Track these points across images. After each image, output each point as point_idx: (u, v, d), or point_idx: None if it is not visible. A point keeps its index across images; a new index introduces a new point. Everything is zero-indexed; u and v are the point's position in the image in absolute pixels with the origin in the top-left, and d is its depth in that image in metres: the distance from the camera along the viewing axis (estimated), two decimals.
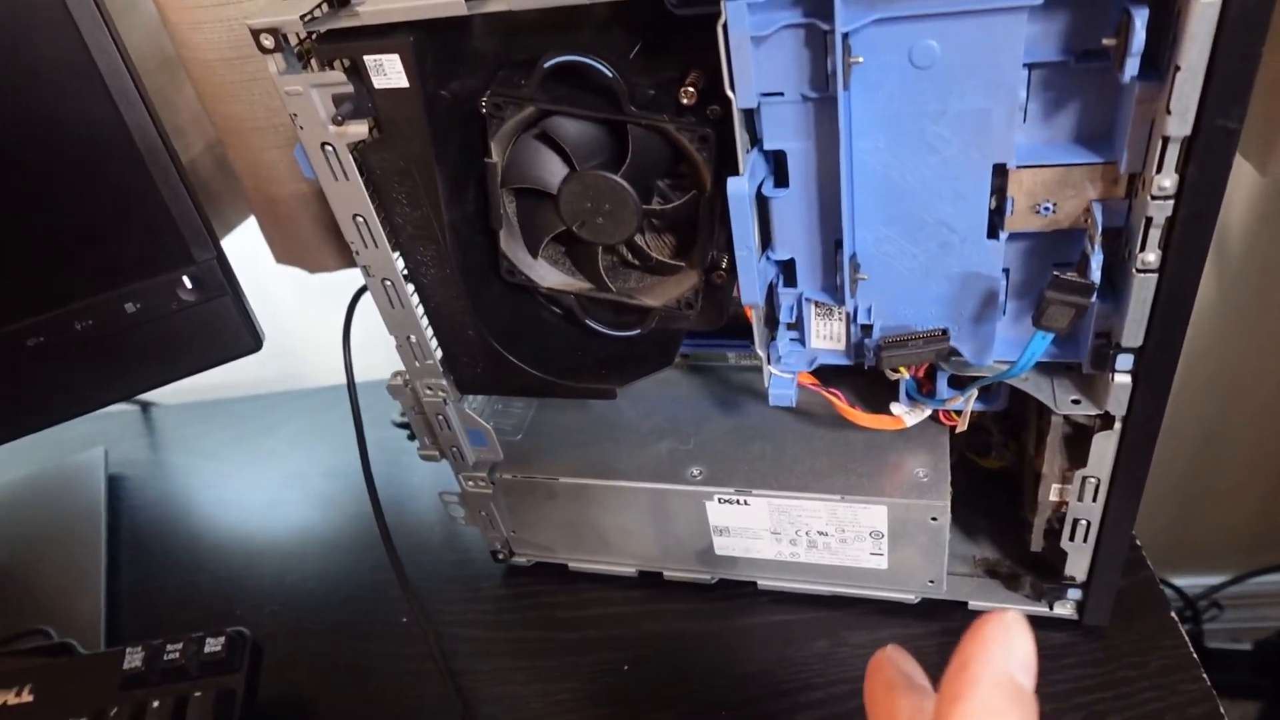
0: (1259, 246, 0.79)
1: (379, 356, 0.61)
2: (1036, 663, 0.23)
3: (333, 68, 0.38)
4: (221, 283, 0.46)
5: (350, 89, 0.38)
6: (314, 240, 0.63)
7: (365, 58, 0.37)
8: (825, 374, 0.47)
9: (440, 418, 0.51)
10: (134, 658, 0.52)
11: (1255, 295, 0.82)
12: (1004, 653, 0.23)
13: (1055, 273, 0.35)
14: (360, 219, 0.42)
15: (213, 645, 0.52)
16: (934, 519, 0.47)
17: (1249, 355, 0.88)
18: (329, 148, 0.40)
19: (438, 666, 0.54)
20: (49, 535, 0.70)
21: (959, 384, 0.44)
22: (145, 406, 0.86)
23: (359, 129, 0.39)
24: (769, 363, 0.44)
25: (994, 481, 0.55)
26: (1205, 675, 0.47)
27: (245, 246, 0.71)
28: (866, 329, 0.42)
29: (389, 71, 0.37)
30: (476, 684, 0.54)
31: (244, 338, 0.48)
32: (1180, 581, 1.07)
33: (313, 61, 0.39)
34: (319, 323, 0.71)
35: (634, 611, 0.56)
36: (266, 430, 0.80)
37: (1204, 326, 0.83)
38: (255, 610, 0.62)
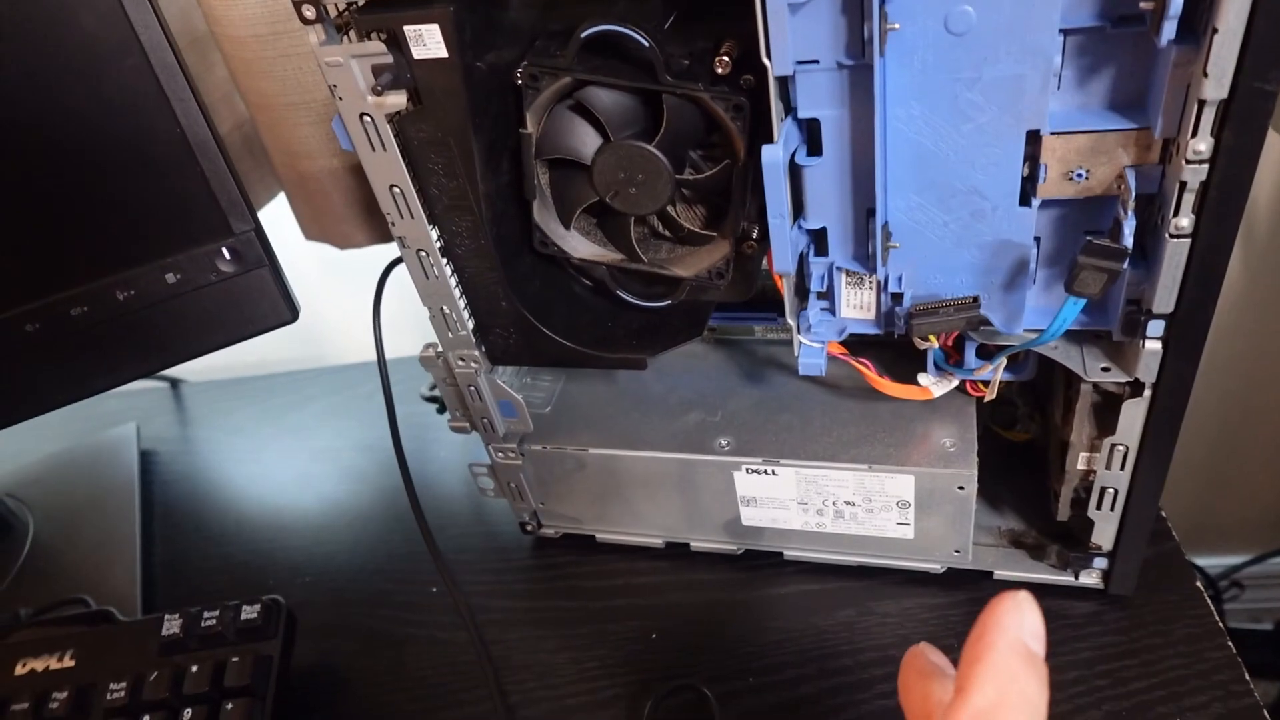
0: None
1: (405, 334, 0.62)
2: (1045, 634, 0.27)
3: (372, 38, 0.38)
4: (260, 254, 0.46)
5: (389, 59, 0.38)
6: (344, 215, 0.64)
7: (405, 28, 0.38)
8: (853, 345, 0.48)
9: (472, 389, 0.52)
10: (172, 624, 0.53)
11: None
12: (1017, 623, 0.26)
13: (1088, 238, 0.35)
14: (397, 190, 0.43)
15: (249, 612, 0.53)
16: (961, 488, 0.48)
17: (1274, 334, 0.88)
18: (367, 118, 0.40)
19: (469, 634, 0.55)
20: (84, 508, 0.72)
21: (987, 354, 0.45)
22: (174, 383, 0.87)
23: (398, 99, 0.39)
24: (799, 332, 0.45)
25: (1019, 454, 0.55)
26: (1230, 643, 0.48)
27: (271, 227, 0.72)
28: (897, 298, 0.42)
29: (428, 42, 0.38)
30: (507, 652, 0.55)
31: (281, 308, 0.49)
32: (1202, 561, 1.08)
33: (352, 32, 0.39)
34: (346, 301, 0.72)
35: (661, 581, 0.57)
36: (295, 406, 0.81)
37: (1231, 302, 0.83)
38: (288, 581, 0.63)
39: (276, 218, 0.71)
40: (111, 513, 0.71)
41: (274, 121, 0.60)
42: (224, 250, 0.46)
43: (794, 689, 0.50)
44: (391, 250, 0.47)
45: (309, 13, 0.38)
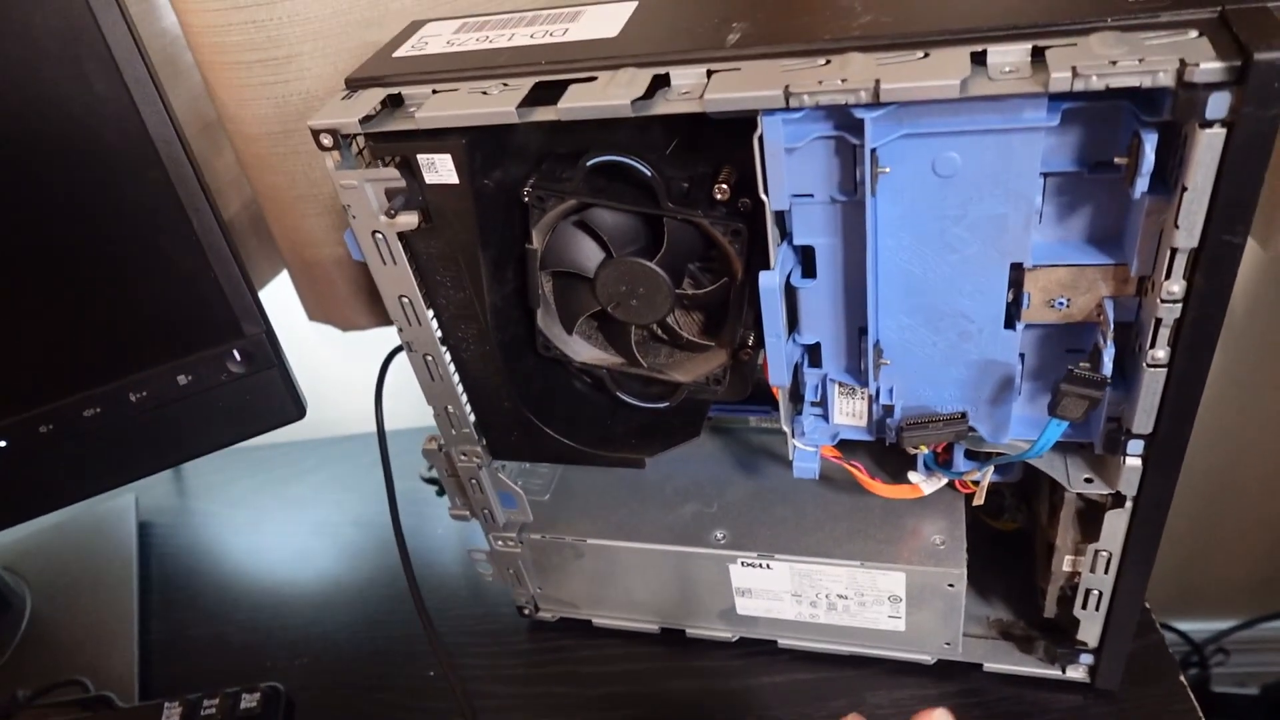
0: (1263, 315, 0.81)
1: (407, 403, 0.63)
2: None
3: (386, 164, 0.40)
4: (269, 355, 0.48)
5: (402, 184, 0.40)
6: (348, 301, 0.65)
7: (419, 156, 0.39)
8: (847, 445, 0.49)
9: (473, 481, 0.53)
10: (172, 713, 0.54)
11: (1259, 358, 0.84)
12: None
13: (1070, 368, 0.37)
14: (406, 300, 0.44)
15: (248, 701, 0.54)
16: (950, 585, 0.49)
17: (1254, 410, 0.90)
18: (379, 235, 0.42)
19: None
20: (82, 582, 0.72)
21: (975, 456, 0.46)
22: None
23: (409, 219, 0.41)
24: (794, 436, 0.46)
25: (1007, 542, 0.56)
26: None
27: (277, 296, 0.74)
28: (888, 408, 0.44)
29: (440, 169, 0.39)
30: None
31: (288, 407, 0.50)
32: (1186, 626, 1.09)
33: (365, 155, 0.41)
34: (349, 369, 0.73)
35: (656, 668, 0.58)
36: (295, 478, 0.82)
37: (1212, 378, 0.85)
38: (286, 662, 0.63)
39: (282, 287, 0.73)
40: (110, 587, 0.71)
41: (282, 212, 0.62)
42: (235, 352, 0.47)
43: None
44: (393, 332, 0.49)
45: (327, 140, 0.40)
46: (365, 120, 0.39)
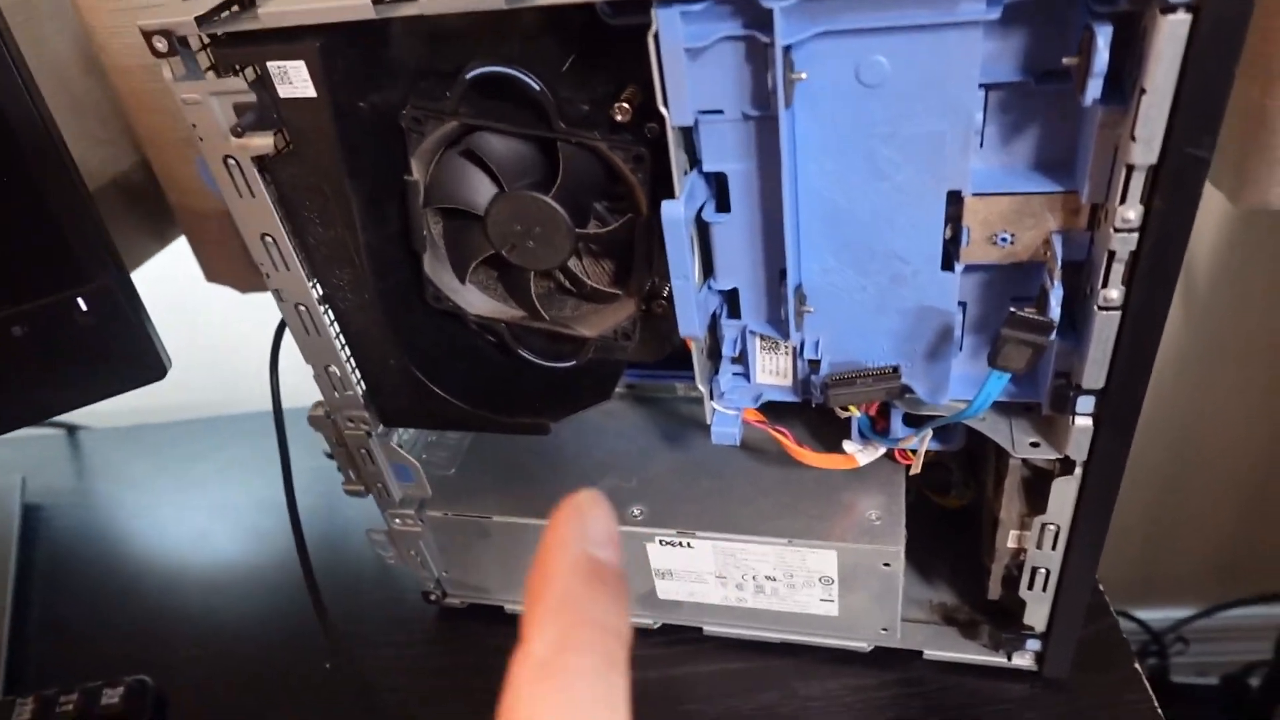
0: (1226, 278, 0.77)
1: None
2: (617, 534, 0.22)
3: (235, 74, 0.35)
4: (122, 305, 0.42)
5: (253, 98, 0.35)
6: (245, 258, 0.59)
7: (269, 64, 0.34)
8: (774, 410, 0.45)
9: (364, 452, 0.48)
10: (24, 709, 0.48)
11: (1221, 327, 0.81)
12: (577, 534, 0.21)
13: (1012, 309, 0.33)
14: (269, 239, 0.39)
15: (110, 696, 0.48)
16: (886, 565, 0.44)
17: (1215, 385, 0.87)
18: (232, 161, 0.36)
19: (366, 717, 0.50)
20: None
21: (915, 422, 0.42)
22: (71, 430, 0.81)
23: (263, 141, 0.36)
24: (711, 398, 0.41)
25: (953, 521, 0.52)
26: None
27: (183, 262, 0.68)
28: (814, 364, 0.39)
29: (294, 79, 0.34)
30: None
31: (147, 364, 0.45)
32: (1146, 615, 1.06)
33: (213, 66, 0.36)
34: (256, 343, 0.67)
35: None
36: (197, 457, 0.76)
37: (1168, 355, 0.82)
38: (171, 654, 0.58)
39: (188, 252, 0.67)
40: None
41: (166, 158, 0.56)
42: (80, 301, 0.42)
43: None
44: None
45: (160, 44, 0.34)
46: (203, 20, 0.33)
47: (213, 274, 0.64)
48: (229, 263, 0.62)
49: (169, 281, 0.66)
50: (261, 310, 0.69)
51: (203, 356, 0.84)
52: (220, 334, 0.82)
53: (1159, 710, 0.46)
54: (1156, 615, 1.06)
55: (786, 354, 0.40)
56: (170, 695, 0.53)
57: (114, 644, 0.60)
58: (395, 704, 0.52)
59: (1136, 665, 0.48)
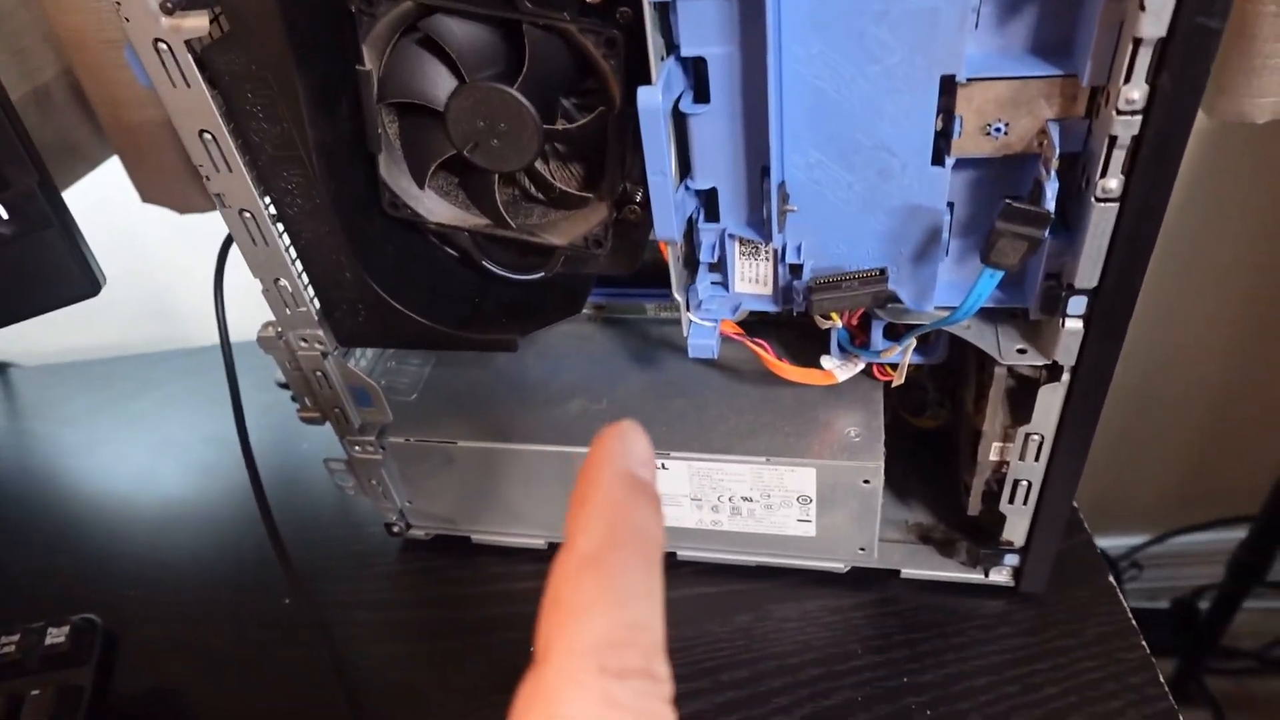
0: (1197, 196, 0.77)
1: (267, 310, 0.55)
2: (653, 459, 0.24)
3: None
4: (45, 212, 0.39)
5: None
6: (181, 174, 0.56)
7: None
8: (751, 324, 0.43)
9: (319, 374, 0.45)
10: None
11: (1187, 250, 0.81)
12: (622, 452, 0.23)
13: (1007, 200, 0.31)
14: (208, 135, 0.36)
15: (55, 636, 0.46)
16: (866, 482, 0.43)
17: (1175, 310, 0.87)
18: (163, 46, 0.33)
19: (325, 652, 0.48)
20: None
21: (895, 334, 0.40)
22: (2, 368, 0.77)
23: (198, 22, 0.32)
24: (688, 309, 0.40)
25: (928, 442, 0.51)
26: (1144, 643, 0.45)
27: (116, 185, 0.64)
28: (796, 270, 0.38)
29: None
30: (368, 673, 0.49)
31: (78, 279, 0.41)
32: (1101, 542, 1.08)
33: None
34: (199, 275, 0.64)
35: (542, 586, 0.51)
36: (139, 392, 0.72)
37: None
38: (118, 594, 0.55)
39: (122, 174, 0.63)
40: None
41: (92, 64, 0.52)
42: None
43: (685, 705, 0.45)
44: None
45: None
46: None
47: (148, 194, 0.60)
48: (164, 181, 0.58)
49: (99, 207, 0.62)
50: (202, 236, 0.65)
51: (140, 289, 0.80)
52: (158, 264, 0.78)
53: (1134, 622, 0.46)
54: (1111, 542, 1.09)
55: (767, 259, 0.38)
56: (120, 635, 0.51)
57: (57, 586, 0.57)
58: (357, 637, 0.50)
59: (1111, 579, 0.48)
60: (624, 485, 0.22)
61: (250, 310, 0.47)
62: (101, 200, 0.64)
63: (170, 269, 0.78)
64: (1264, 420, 0.97)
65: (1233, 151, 0.74)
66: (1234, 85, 0.50)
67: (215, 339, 0.76)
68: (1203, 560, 1.04)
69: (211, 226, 0.62)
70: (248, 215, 0.38)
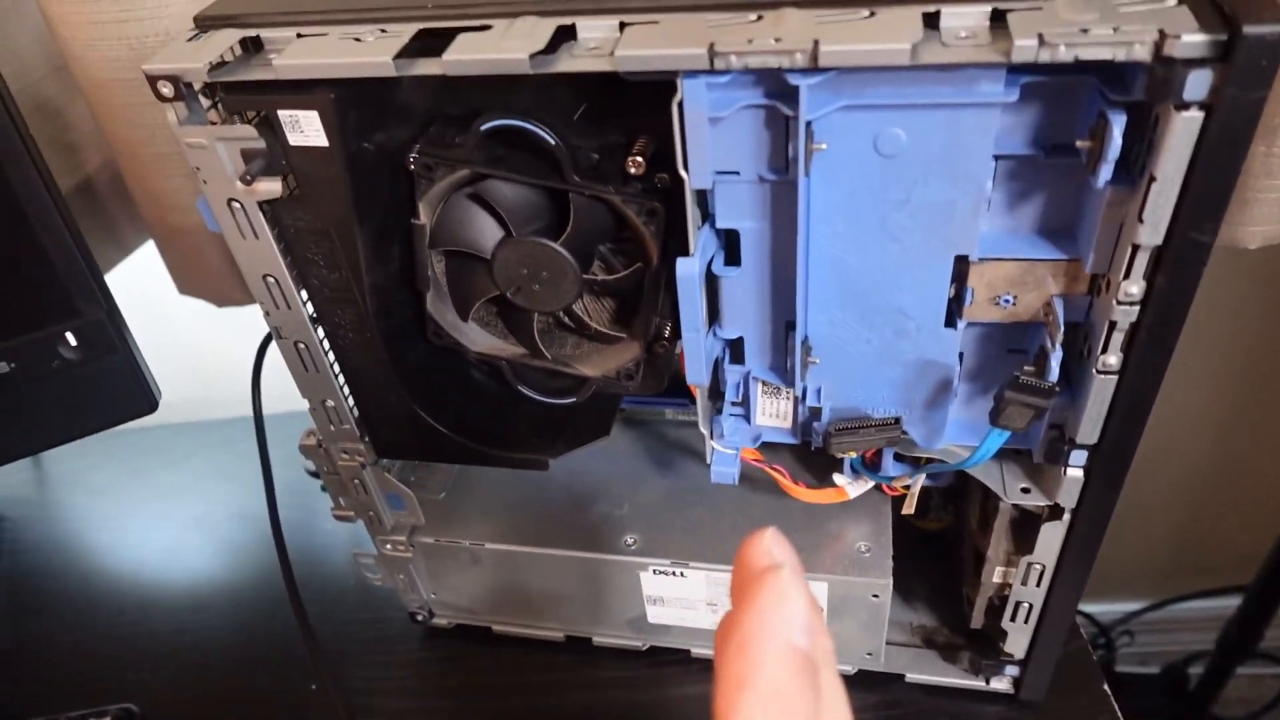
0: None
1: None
2: (811, 615, 0.22)
3: (242, 120, 0.34)
4: (111, 340, 0.41)
5: (261, 144, 0.34)
6: (220, 272, 0.58)
7: (280, 112, 0.33)
8: (768, 443, 0.45)
9: (356, 482, 0.47)
10: None
11: (1187, 335, 0.83)
12: (781, 619, 0.22)
13: (1016, 374, 0.34)
14: (271, 279, 0.38)
15: None
16: (875, 596, 0.46)
17: (1165, 385, 0.90)
18: (237, 204, 0.36)
19: None
20: None
21: (904, 459, 0.43)
22: None
23: (271, 186, 0.35)
24: (712, 438, 0.42)
25: (931, 542, 0.54)
26: None
27: (148, 263, 0.66)
28: (815, 410, 0.40)
29: (306, 129, 0.33)
30: None
31: (136, 398, 0.44)
32: (1094, 609, 1.10)
33: (220, 109, 0.35)
34: (229, 345, 0.66)
35: (560, 679, 0.54)
36: (168, 465, 0.74)
37: None
38: (148, 676, 0.57)
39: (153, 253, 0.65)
40: None
41: (141, 171, 0.55)
42: (68, 335, 0.40)
43: None
44: None
45: (166, 89, 0.33)
46: (215, 68, 0.33)
47: (185, 287, 0.63)
48: (204, 278, 0.60)
49: (136, 281, 0.64)
50: (235, 317, 0.67)
51: (170, 360, 0.82)
52: (191, 337, 0.80)
53: None
54: (1105, 609, 1.11)
55: (788, 399, 0.41)
56: None
57: (85, 666, 0.59)
58: None
59: (1105, 687, 0.50)
60: (789, 668, 0.21)
61: (277, 380, 0.49)
62: (134, 271, 0.66)
63: (198, 340, 0.80)
64: (1256, 493, 1.00)
65: (1224, 267, 0.77)
66: (1228, 216, 0.53)
67: (238, 411, 0.78)
68: (1194, 628, 1.07)
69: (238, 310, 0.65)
70: (302, 346, 0.41)
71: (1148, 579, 1.09)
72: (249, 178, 0.34)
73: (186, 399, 0.82)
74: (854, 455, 0.43)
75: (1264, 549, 0.89)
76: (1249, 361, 0.90)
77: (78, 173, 0.60)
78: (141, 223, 0.64)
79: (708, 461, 0.43)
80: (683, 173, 0.32)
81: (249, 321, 0.47)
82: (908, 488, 0.44)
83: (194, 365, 0.84)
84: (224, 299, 0.61)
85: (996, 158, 0.32)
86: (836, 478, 0.46)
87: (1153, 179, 0.28)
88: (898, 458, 0.43)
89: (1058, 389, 0.33)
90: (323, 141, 0.34)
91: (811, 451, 0.47)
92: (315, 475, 0.64)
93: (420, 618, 0.56)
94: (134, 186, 0.57)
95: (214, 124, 0.34)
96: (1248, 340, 0.88)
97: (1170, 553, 1.09)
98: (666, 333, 0.40)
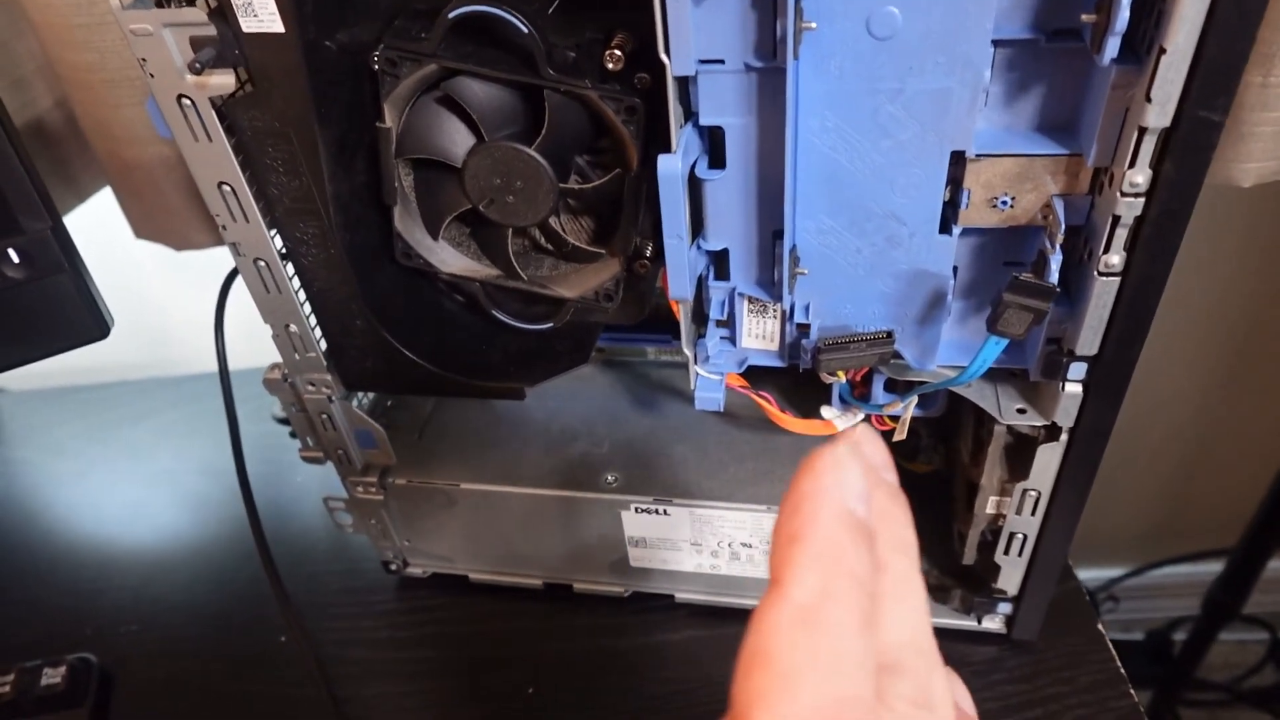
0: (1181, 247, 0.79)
1: (263, 340, 0.55)
2: (868, 489, 0.22)
3: (191, 3, 0.32)
4: (58, 257, 0.39)
5: (212, 31, 0.32)
6: (179, 212, 0.56)
7: None
8: (752, 374, 0.44)
9: (324, 417, 0.45)
10: None
11: (1171, 294, 0.82)
12: (838, 485, 0.21)
13: (1014, 275, 0.32)
14: (227, 188, 0.36)
15: (51, 676, 0.45)
16: None
17: (1150, 346, 0.89)
18: (187, 101, 0.34)
19: (323, 693, 0.48)
20: None
21: (895, 387, 0.41)
22: None
23: (224, 80, 0.33)
24: (696, 362, 0.40)
25: (921, 486, 0.52)
26: (1133, 692, 0.46)
27: (109, 213, 0.63)
28: (803, 328, 0.38)
29: (260, 12, 0.31)
30: (364, 711, 0.49)
31: (86, 323, 0.41)
32: (1080, 574, 1.09)
33: None
34: (194, 299, 0.64)
35: (540, 627, 0.52)
36: (131, 421, 0.72)
37: None
38: (110, 630, 0.55)
39: (113, 203, 0.62)
40: None
41: (92, 101, 0.52)
42: (11, 252, 0.38)
43: None
44: None
45: None
46: None
47: (142, 230, 0.60)
48: (162, 218, 0.58)
49: (91, 233, 0.62)
50: (196, 262, 0.65)
51: (131, 315, 0.80)
52: (149, 292, 0.77)
53: (1121, 670, 0.47)
54: (1090, 575, 1.10)
55: (775, 317, 0.39)
56: (115, 673, 0.51)
57: (45, 622, 0.56)
58: (353, 676, 0.50)
59: (1100, 626, 0.49)
60: (842, 526, 0.20)
61: (247, 338, 0.47)
62: (96, 224, 0.64)
63: (165, 293, 0.77)
64: (1239, 457, 0.99)
65: (1216, 208, 0.76)
66: (1221, 151, 0.52)
67: (203, 366, 0.76)
68: (1178, 593, 1.06)
69: (206, 254, 0.63)
70: (261, 264, 0.39)
71: (1131, 544, 1.09)
72: (198, 66, 0.32)
73: (149, 359, 0.80)
74: (843, 380, 0.41)
75: (1247, 513, 0.88)
76: (1231, 325, 0.89)
77: (27, 110, 0.57)
78: (97, 166, 0.62)
79: (691, 387, 0.41)
80: (664, 58, 0.30)
81: (216, 276, 0.45)
82: (897, 418, 0.43)
83: (155, 323, 0.81)
84: (184, 242, 0.58)
85: (995, 44, 0.31)
86: (824, 410, 0.44)
87: (1163, 51, 0.27)
88: (888, 387, 0.42)
89: (1056, 290, 0.32)
90: (278, 27, 0.32)
91: (799, 385, 0.46)
92: (284, 422, 0.62)
93: (394, 567, 0.54)
94: (85, 120, 0.54)
95: (161, 7, 0.32)
96: (1231, 303, 0.87)
97: (1153, 518, 1.08)
98: (648, 252, 0.38)
